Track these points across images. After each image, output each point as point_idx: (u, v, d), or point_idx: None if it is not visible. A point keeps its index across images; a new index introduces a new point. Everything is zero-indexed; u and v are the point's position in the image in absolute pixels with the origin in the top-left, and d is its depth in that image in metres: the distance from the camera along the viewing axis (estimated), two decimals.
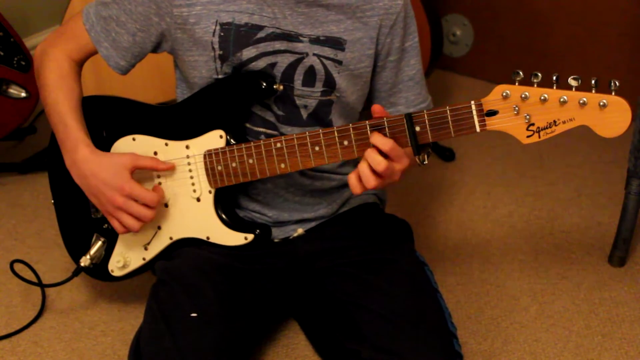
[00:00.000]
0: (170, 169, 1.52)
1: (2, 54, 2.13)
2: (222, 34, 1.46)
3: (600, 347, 1.72)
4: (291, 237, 1.63)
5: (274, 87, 1.47)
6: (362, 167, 1.35)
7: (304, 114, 1.53)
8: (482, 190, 2.27)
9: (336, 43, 1.48)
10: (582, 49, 2.60)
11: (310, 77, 1.49)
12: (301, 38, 1.47)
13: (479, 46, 2.84)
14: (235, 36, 1.46)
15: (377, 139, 1.34)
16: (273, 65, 1.48)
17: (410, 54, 1.56)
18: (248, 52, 1.47)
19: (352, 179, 1.38)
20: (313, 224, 1.64)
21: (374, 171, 1.35)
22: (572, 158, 2.39)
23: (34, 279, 1.79)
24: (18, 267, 1.76)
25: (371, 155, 1.34)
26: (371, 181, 1.35)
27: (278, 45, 1.47)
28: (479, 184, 2.30)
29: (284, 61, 1.48)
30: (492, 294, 1.88)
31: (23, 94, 2.18)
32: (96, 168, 1.48)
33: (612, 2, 2.49)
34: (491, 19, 2.77)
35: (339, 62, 1.49)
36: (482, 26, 2.81)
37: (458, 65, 2.91)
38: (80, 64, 1.60)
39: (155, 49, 1.54)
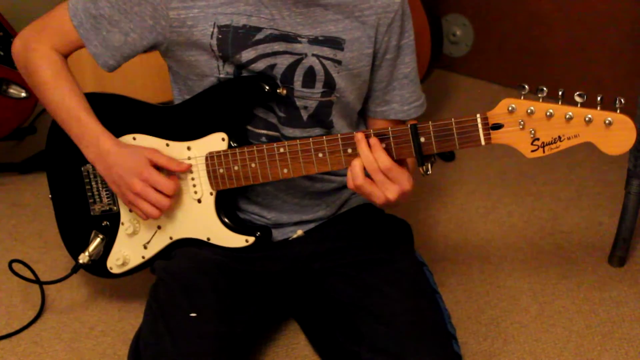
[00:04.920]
0: (183, 170, 1.51)
1: (2, 54, 2.13)
2: (220, 36, 1.46)
3: (600, 347, 1.72)
4: (290, 239, 1.63)
5: (277, 90, 1.47)
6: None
7: (304, 115, 1.53)
8: (482, 190, 2.27)
9: (335, 43, 1.48)
10: (582, 49, 2.60)
11: (309, 78, 1.49)
12: (300, 39, 1.47)
13: (479, 46, 2.84)
14: (233, 38, 1.46)
15: (376, 151, 1.35)
16: (272, 66, 1.48)
17: (405, 52, 1.56)
18: (247, 54, 1.46)
19: (356, 166, 1.38)
20: (312, 225, 1.64)
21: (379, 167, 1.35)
22: (572, 158, 2.39)
23: (33, 278, 1.79)
24: (17, 267, 1.76)
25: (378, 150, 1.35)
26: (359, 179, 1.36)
27: (277, 46, 1.46)
28: (479, 184, 2.30)
29: (283, 62, 1.48)
30: (492, 294, 1.88)
31: (23, 94, 2.18)
32: (120, 158, 1.49)
33: (612, 2, 2.49)
34: (491, 19, 2.77)
35: (338, 62, 1.49)
36: (482, 26, 2.81)
37: (458, 65, 2.91)
38: (66, 56, 1.57)
39: (148, 50, 1.53)
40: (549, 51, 2.67)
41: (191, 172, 1.53)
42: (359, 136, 1.36)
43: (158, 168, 1.51)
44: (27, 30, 1.56)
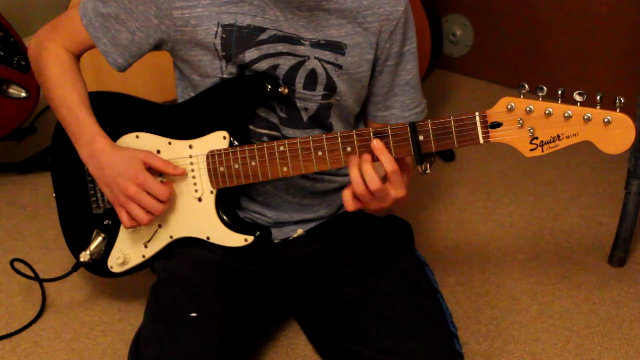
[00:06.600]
0: (179, 174, 1.51)
1: (2, 54, 2.13)
2: (224, 35, 1.46)
3: (600, 347, 1.72)
4: (291, 238, 1.63)
5: (279, 90, 1.47)
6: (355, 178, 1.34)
7: (305, 116, 1.53)
8: (482, 190, 2.27)
9: (336, 47, 1.48)
10: (582, 49, 2.60)
11: (311, 80, 1.49)
12: (302, 41, 1.47)
13: (479, 46, 2.84)
14: (237, 38, 1.46)
15: (383, 154, 1.34)
16: (275, 67, 1.48)
17: (407, 59, 1.56)
18: (250, 54, 1.47)
19: (346, 195, 1.36)
20: (313, 224, 1.64)
21: (367, 188, 1.33)
22: (572, 158, 2.39)
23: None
24: (18, 266, 1.76)
25: (368, 170, 1.34)
26: (365, 196, 1.34)
27: (280, 47, 1.46)
28: (479, 184, 2.30)
29: (285, 63, 1.48)
30: (492, 294, 1.88)
31: (23, 94, 2.18)
32: (113, 160, 1.48)
33: (612, 2, 2.49)
34: (491, 19, 2.77)
35: (339, 67, 1.49)
36: (482, 26, 2.81)
37: (458, 65, 2.91)
38: (78, 57, 1.59)
39: (155, 49, 1.54)
40: (549, 51, 2.67)
41: (192, 170, 1.53)
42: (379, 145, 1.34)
43: (153, 172, 1.51)
44: (42, 29, 1.59)
